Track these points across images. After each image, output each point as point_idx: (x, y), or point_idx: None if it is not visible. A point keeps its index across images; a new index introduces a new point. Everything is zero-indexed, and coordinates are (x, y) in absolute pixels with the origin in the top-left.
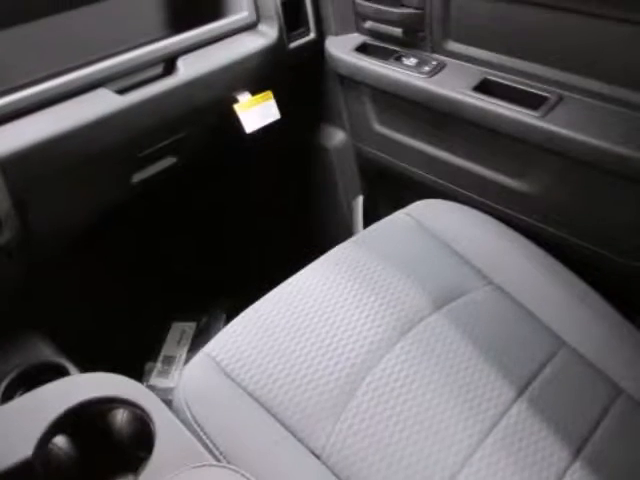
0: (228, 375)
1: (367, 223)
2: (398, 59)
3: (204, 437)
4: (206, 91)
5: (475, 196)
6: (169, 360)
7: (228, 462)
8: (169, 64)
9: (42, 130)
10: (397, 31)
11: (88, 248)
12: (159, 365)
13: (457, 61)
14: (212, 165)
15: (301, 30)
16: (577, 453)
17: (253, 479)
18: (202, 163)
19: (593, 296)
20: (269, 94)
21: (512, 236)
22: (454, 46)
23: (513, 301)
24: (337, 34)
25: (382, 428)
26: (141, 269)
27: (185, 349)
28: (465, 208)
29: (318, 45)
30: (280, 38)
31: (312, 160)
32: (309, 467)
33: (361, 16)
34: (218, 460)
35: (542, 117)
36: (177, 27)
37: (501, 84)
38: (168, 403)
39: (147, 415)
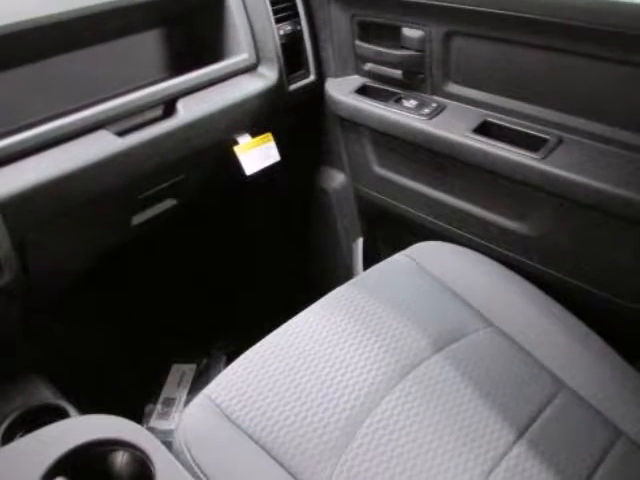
0: (228, 417)
1: (367, 265)
2: (398, 101)
3: (204, 479)
4: (206, 133)
5: (475, 238)
6: (169, 402)
7: None
8: (169, 106)
9: (42, 172)
10: (397, 73)
11: (88, 290)
12: (159, 407)
13: (457, 103)
14: (212, 207)
15: (301, 72)
16: None
17: None
18: (202, 205)
19: (593, 338)
20: (269, 136)
21: (512, 278)
22: (454, 88)
23: (513, 343)
24: (337, 76)
25: (382, 470)
26: (141, 311)
27: (185, 391)
28: (465, 250)
29: (318, 87)
30: (280, 80)
31: (312, 202)
32: None
33: (361, 58)
34: None
35: (542, 159)
36: (177, 69)
37: (501, 126)
38: (168, 445)
39: (147, 457)
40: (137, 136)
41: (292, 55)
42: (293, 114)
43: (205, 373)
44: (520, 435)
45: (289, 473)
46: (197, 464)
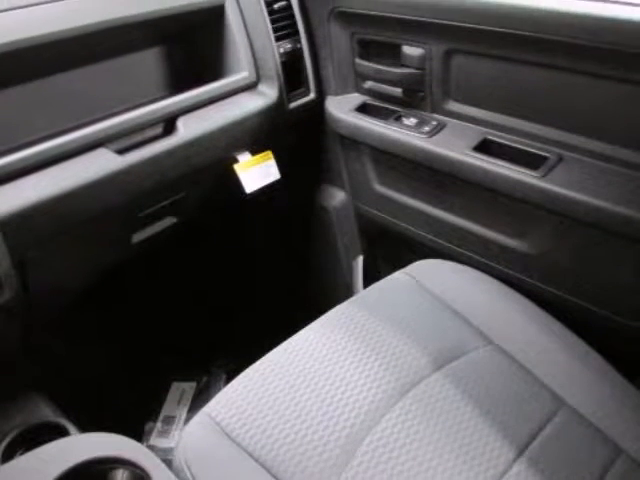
0: (228, 435)
1: (367, 283)
2: (398, 119)
3: None
4: (206, 151)
5: (475, 256)
6: (169, 420)
7: None
8: (169, 124)
9: (42, 190)
10: (397, 91)
11: (87, 308)
12: (159, 425)
13: (457, 121)
14: (212, 225)
15: (301, 90)
16: None
17: None
18: (202, 223)
19: (593, 356)
20: (269, 154)
21: (512, 296)
22: (454, 106)
23: (513, 361)
24: (337, 94)
25: None
26: (141, 328)
27: (185, 409)
28: (465, 268)
29: (318, 105)
30: (280, 98)
31: (312, 220)
32: None
33: (361, 76)
34: None
35: (542, 177)
36: (177, 87)
37: (501, 144)
38: (168, 463)
39: (147, 475)
40: (137, 154)
41: (292, 73)
42: (293, 132)
43: (205, 391)
44: (520, 453)
45: None
46: None
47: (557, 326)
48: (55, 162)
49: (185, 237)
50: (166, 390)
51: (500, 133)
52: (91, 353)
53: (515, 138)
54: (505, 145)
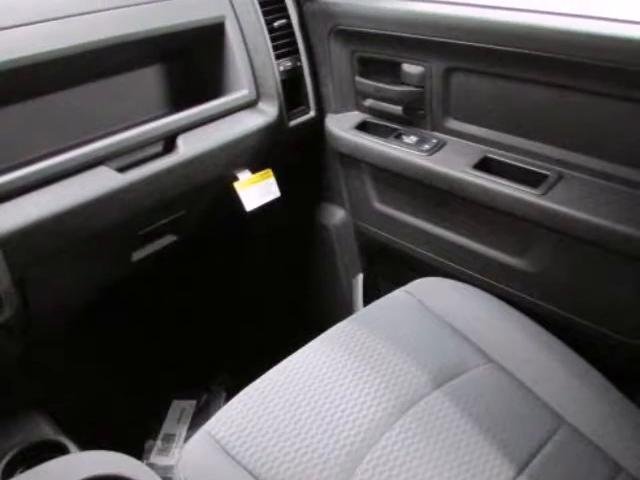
0: (228, 453)
1: (367, 301)
2: (398, 137)
3: None
4: (206, 169)
5: (475, 274)
6: (169, 438)
7: None
8: (169, 142)
9: (43, 208)
10: (397, 109)
11: (88, 325)
12: (159, 443)
13: (457, 139)
14: (212, 243)
15: (301, 108)
16: None
17: None
18: (202, 241)
19: (593, 374)
20: (269, 172)
21: (512, 314)
22: (454, 124)
23: (513, 379)
24: (337, 112)
25: None
26: (140, 346)
27: (185, 427)
28: (465, 286)
29: (318, 123)
30: (280, 116)
31: (312, 238)
32: None
33: (361, 94)
34: None
35: (542, 195)
36: (177, 105)
37: (501, 162)
38: None
39: None
40: (137, 172)
41: (292, 91)
42: (293, 150)
43: (205, 409)
44: (520, 471)
45: None
46: None
47: (557, 344)
48: (56, 180)
49: (185, 255)
50: (166, 408)
51: (500, 151)
52: (91, 371)
53: (515, 156)
54: (505, 163)
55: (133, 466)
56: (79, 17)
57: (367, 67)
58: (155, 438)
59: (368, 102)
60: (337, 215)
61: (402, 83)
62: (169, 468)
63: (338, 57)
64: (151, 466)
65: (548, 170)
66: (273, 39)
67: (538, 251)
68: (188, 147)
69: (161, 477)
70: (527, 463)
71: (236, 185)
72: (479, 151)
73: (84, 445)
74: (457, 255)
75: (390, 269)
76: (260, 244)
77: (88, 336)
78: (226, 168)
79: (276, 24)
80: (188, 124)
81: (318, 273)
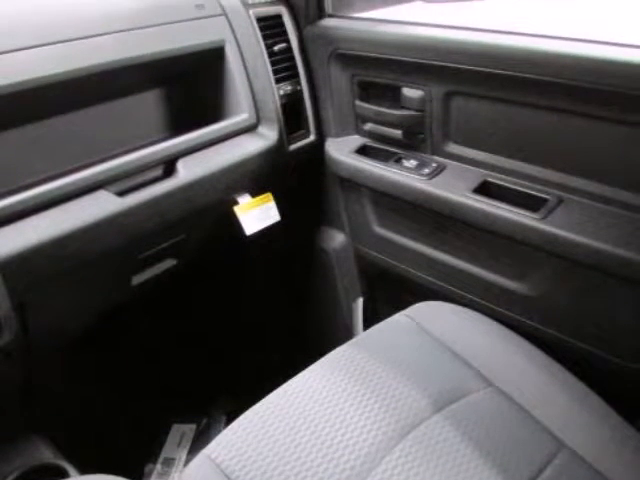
0: (228, 477)
1: (367, 325)
2: (398, 161)
3: None
4: (206, 193)
5: (475, 298)
6: (169, 462)
7: None
8: (169, 166)
9: (42, 232)
10: (397, 133)
11: (87, 349)
12: (159, 467)
13: (457, 163)
14: (212, 267)
15: (301, 132)
16: None
17: None
18: (202, 265)
19: (593, 398)
20: (269, 196)
21: (512, 338)
22: (454, 148)
23: (513, 403)
24: (337, 136)
25: None
26: (140, 370)
27: (185, 451)
28: (465, 310)
29: (318, 147)
30: (280, 140)
31: (312, 262)
32: None
33: (361, 118)
34: None
35: (542, 219)
36: (177, 128)
37: (501, 186)
38: None
39: None
40: (137, 196)
41: (292, 115)
42: (293, 174)
43: (205, 433)
44: None
45: None
46: None
47: (557, 368)
48: (55, 204)
49: (185, 279)
50: (166, 432)
51: (500, 175)
52: (91, 395)
53: (515, 180)
54: (505, 187)
55: None
56: (80, 41)
57: (367, 91)
58: (155, 462)
59: (368, 126)
60: (337, 239)
61: (402, 107)
62: None
63: (338, 81)
64: None
65: (548, 194)
66: (273, 63)
67: (538, 275)
68: (188, 171)
69: None
70: None
71: (236, 209)
72: (479, 175)
73: (84, 469)
74: (457, 279)
75: (390, 293)
76: (260, 268)
77: (88, 360)
78: (226, 192)
79: (276, 48)
80: (188, 148)
81: (318, 297)
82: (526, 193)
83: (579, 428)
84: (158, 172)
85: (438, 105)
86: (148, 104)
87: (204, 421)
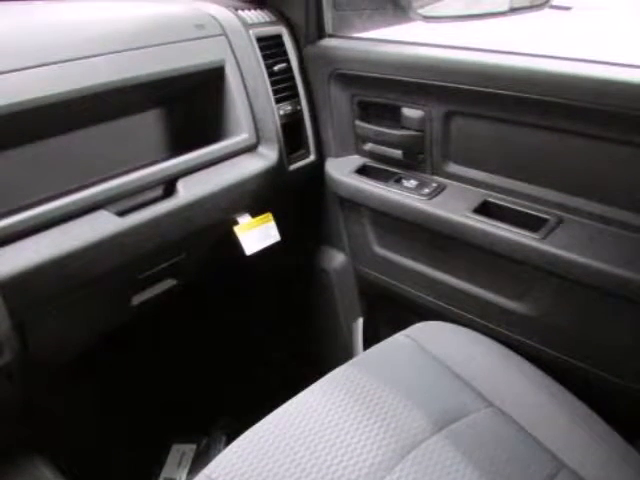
0: None
1: (367, 345)
2: (398, 181)
3: None
4: (206, 213)
5: (476, 318)
6: None
7: None
8: (169, 186)
9: (42, 252)
10: (397, 153)
11: (88, 369)
12: None
13: (457, 183)
14: (212, 286)
15: (301, 152)
16: None
17: None
18: (202, 284)
19: (594, 418)
20: (269, 216)
21: (513, 358)
22: (454, 168)
23: (513, 423)
24: (337, 156)
25: None
26: (141, 391)
27: (185, 471)
28: (466, 330)
29: (318, 167)
30: (280, 160)
31: (312, 282)
32: None
33: (361, 138)
34: None
35: (542, 239)
36: (177, 148)
37: (501, 206)
38: None
39: None
40: (137, 216)
41: (292, 135)
42: (293, 194)
43: (205, 453)
44: None
45: None
46: None
47: (557, 388)
48: (55, 224)
49: (185, 298)
50: (166, 452)
51: (500, 195)
52: (91, 414)
53: (515, 200)
54: (505, 207)
55: None
56: (79, 61)
57: (367, 111)
58: None
59: (368, 146)
60: (337, 259)
61: (402, 127)
62: None
63: (338, 101)
64: None
65: (548, 214)
66: (273, 83)
67: (538, 295)
68: (188, 191)
69: None
70: None
71: (236, 229)
72: (479, 195)
73: None
74: (457, 299)
75: (390, 313)
76: (260, 288)
77: (88, 379)
78: (226, 212)
79: (276, 68)
80: (188, 168)
81: (318, 317)
82: (526, 213)
83: (579, 448)
84: (158, 192)
85: (438, 125)
86: (148, 124)
87: (204, 441)
